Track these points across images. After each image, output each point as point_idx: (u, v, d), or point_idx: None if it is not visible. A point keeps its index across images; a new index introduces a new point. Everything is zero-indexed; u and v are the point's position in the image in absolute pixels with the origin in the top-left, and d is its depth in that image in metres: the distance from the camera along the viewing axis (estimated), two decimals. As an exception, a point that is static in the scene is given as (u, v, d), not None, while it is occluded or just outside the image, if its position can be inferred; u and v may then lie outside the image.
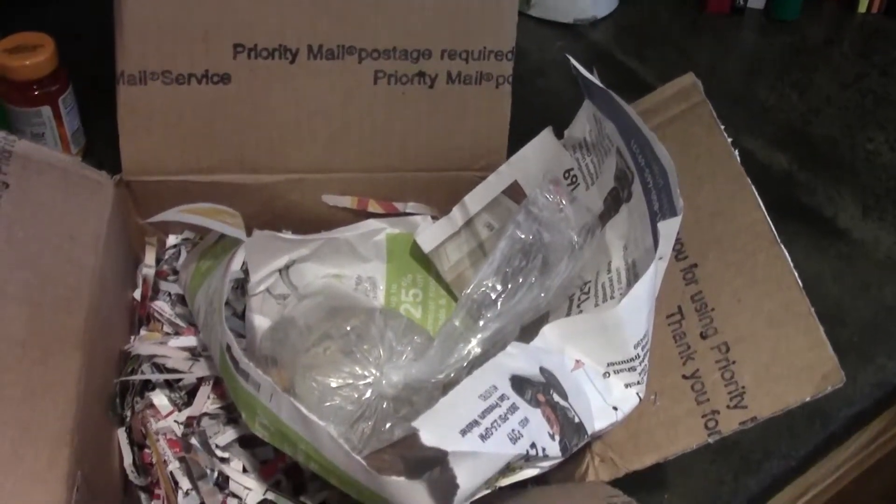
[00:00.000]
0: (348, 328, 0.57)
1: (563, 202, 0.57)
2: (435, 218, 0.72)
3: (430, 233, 0.70)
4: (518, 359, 0.47)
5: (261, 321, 0.69)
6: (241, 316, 0.71)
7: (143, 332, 0.70)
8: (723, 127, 0.64)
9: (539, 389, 0.46)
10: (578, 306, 0.59)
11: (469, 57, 0.68)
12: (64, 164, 0.67)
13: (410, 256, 0.72)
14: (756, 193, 0.59)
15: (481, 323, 0.55)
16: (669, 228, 0.52)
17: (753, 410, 0.53)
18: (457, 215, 0.70)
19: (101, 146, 0.89)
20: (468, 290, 0.57)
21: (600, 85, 0.58)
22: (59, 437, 0.55)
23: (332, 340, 0.57)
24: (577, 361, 0.50)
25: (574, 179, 0.65)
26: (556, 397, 0.47)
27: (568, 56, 0.60)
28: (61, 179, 0.66)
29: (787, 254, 0.56)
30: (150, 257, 0.72)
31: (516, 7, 0.68)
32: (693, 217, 0.61)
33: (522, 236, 0.57)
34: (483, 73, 0.69)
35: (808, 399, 0.52)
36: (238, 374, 0.49)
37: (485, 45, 0.68)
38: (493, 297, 0.56)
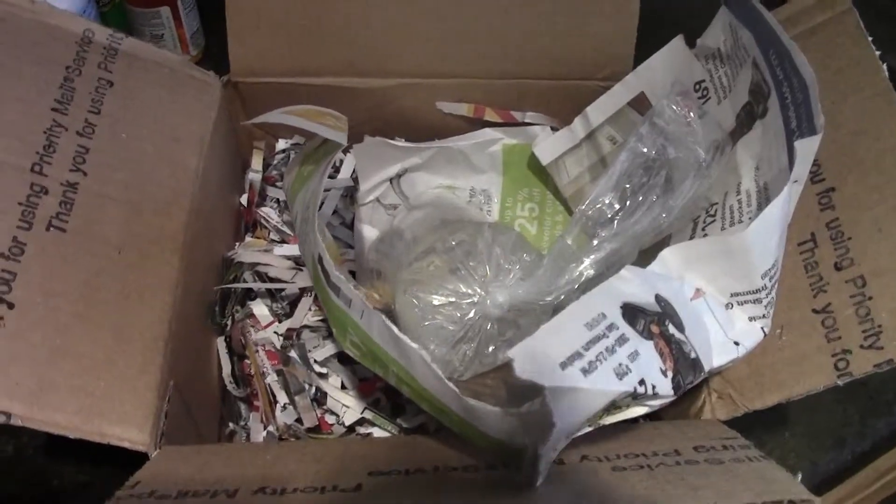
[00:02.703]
0: (454, 242, 0.53)
1: (692, 115, 0.52)
2: (555, 129, 0.68)
3: (549, 144, 0.66)
4: (632, 284, 0.42)
5: (370, 231, 0.67)
6: (350, 226, 0.68)
7: (248, 238, 0.68)
8: (870, 39, 0.57)
9: (653, 319, 0.41)
10: (703, 229, 0.54)
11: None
12: (171, 64, 0.65)
13: (527, 169, 0.68)
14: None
15: (595, 242, 0.50)
16: (807, 148, 0.46)
17: (890, 352, 0.48)
18: (578, 127, 0.65)
19: (220, 48, 0.86)
20: (583, 206, 0.52)
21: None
22: (152, 345, 0.54)
23: (437, 255, 0.54)
24: (698, 290, 0.45)
25: (705, 92, 0.59)
26: (672, 329, 0.42)
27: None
28: (168, 79, 0.64)
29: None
30: (256, 162, 0.69)
31: None
32: (832, 136, 0.54)
33: (645, 150, 0.52)
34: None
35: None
36: (329, 287, 0.47)
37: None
38: (610, 215, 0.52)
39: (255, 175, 0.69)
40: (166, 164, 0.61)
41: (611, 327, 0.40)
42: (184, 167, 0.61)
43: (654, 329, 0.41)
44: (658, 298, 0.42)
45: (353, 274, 0.66)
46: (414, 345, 0.40)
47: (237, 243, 0.68)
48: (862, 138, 0.54)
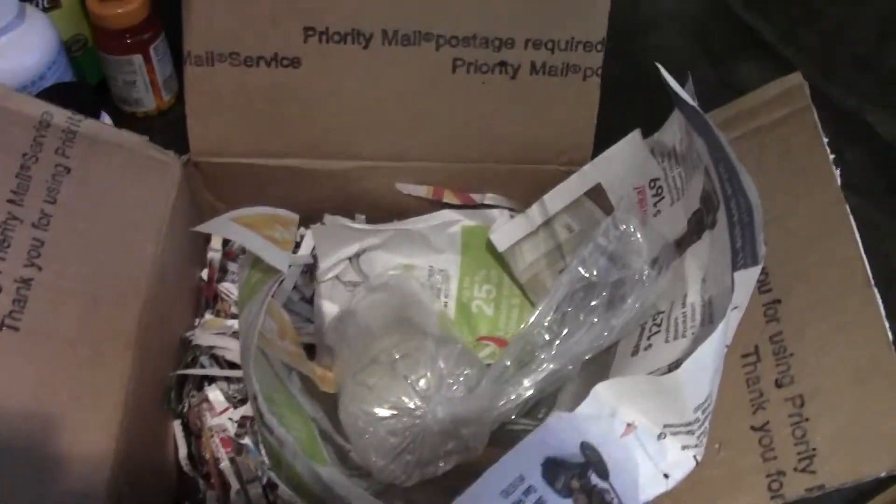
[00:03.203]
0: (397, 356, 0.54)
1: (636, 231, 0.52)
2: (513, 212, 0.68)
3: (505, 230, 0.66)
4: (558, 434, 0.43)
5: (330, 307, 0.67)
6: (310, 301, 0.69)
7: (207, 316, 0.68)
8: (826, 140, 0.57)
9: (575, 473, 0.42)
10: (648, 338, 0.55)
11: (555, 47, 0.63)
12: (130, 145, 0.65)
13: (486, 250, 0.68)
14: (854, 226, 0.53)
15: (534, 366, 0.51)
16: (748, 279, 0.47)
17: (822, 477, 0.49)
18: (535, 213, 0.65)
19: None
20: (524, 328, 0.53)
21: (689, 102, 0.52)
22: (104, 445, 0.54)
23: (381, 366, 0.55)
24: (629, 425, 0.46)
25: (659, 191, 0.60)
26: (595, 479, 0.43)
27: (657, 64, 0.54)
28: (127, 161, 0.65)
29: (880, 300, 0.51)
30: (216, 240, 0.70)
31: (609, -2, 0.62)
32: (784, 244, 0.55)
33: (587, 274, 0.52)
34: (570, 64, 0.63)
35: (883, 474, 0.47)
36: (262, 426, 0.47)
37: (573, 36, 0.63)
38: (549, 337, 0.52)
39: (214, 254, 0.69)
40: (123, 252, 0.61)
41: (528, 490, 0.41)
42: (140, 255, 0.62)
43: (575, 484, 0.41)
44: (584, 447, 0.43)
45: (312, 348, 0.66)
46: (343, 492, 0.41)
47: (197, 319, 0.68)
48: (812, 248, 0.55)
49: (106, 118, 0.73)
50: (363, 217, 0.71)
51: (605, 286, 0.52)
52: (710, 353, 0.45)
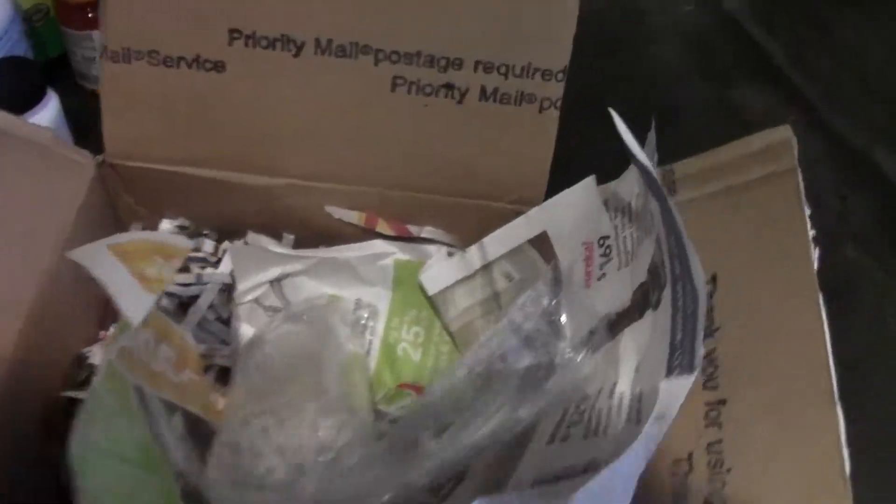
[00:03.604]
0: (284, 419, 0.48)
1: (561, 309, 0.46)
2: (451, 249, 0.62)
3: (438, 271, 0.60)
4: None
5: (247, 331, 0.62)
6: (226, 321, 0.63)
7: (112, 329, 0.63)
8: (808, 213, 0.50)
9: None
10: (568, 427, 0.48)
11: (509, 72, 0.56)
12: (41, 141, 0.59)
13: (418, 289, 0.62)
14: (825, 325, 0.47)
15: (421, 454, 0.45)
16: (678, 389, 0.40)
17: None
18: (473, 256, 0.59)
19: None
20: (415, 411, 0.46)
21: (642, 160, 0.45)
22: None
23: (267, 419, 0.49)
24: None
25: (608, 251, 0.53)
26: None
27: (610, 110, 0.47)
28: (35, 160, 0.58)
29: (842, 418, 0.44)
30: None
31: (574, 18, 0.54)
32: (741, 333, 0.48)
33: (493, 357, 0.46)
34: (524, 93, 0.56)
35: None
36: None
37: (529, 61, 0.55)
38: (441, 424, 0.46)
39: None
40: (12, 260, 0.55)
41: None
42: (33, 263, 0.56)
43: None
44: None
45: (227, 372, 0.61)
46: None
47: (101, 332, 0.63)
48: (772, 344, 0.48)
49: (53, 98, 0.67)
50: (292, 237, 0.65)
51: (513, 374, 0.45)
52: (619, 478, 0.39)
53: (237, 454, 0.48)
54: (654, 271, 0.48)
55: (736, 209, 0.54)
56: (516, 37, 0.55)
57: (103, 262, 0.48)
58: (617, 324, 0.50)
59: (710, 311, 0.51)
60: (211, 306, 0.64)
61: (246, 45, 0.56)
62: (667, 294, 0.46)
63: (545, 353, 0.46)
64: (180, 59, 0.57)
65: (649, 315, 0.48)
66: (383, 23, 0.55)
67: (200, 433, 0.54)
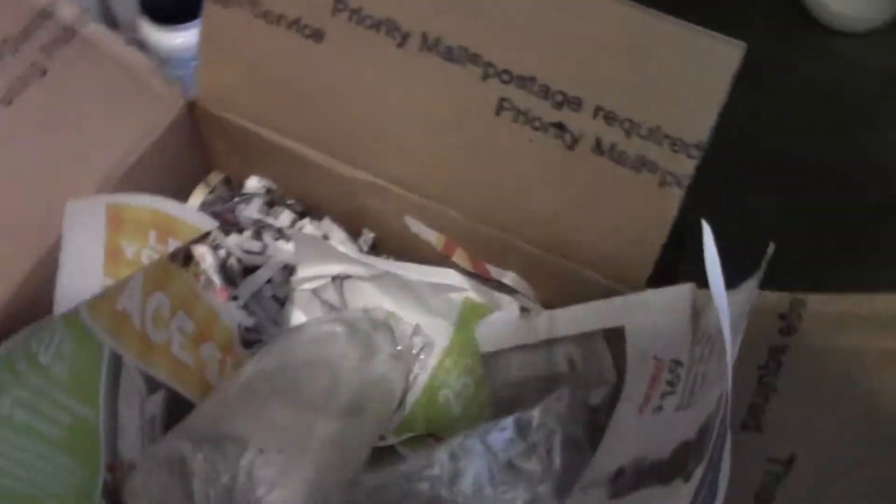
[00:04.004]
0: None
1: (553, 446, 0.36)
2: (528, 305, 0.53)
3: (498, 329, 0.51)
4: None
5: (299, 318, 0.56)
6: (282, 301, 0.58)
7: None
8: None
9: None
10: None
11: (633, 130, 0.46)
12: (133, 67, 0.55)
13: (480, 338, 0.53)
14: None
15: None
16: None
17: None
18: (540, 326, 0.50)
19: None
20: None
21: (723, 308, 0.35)
22: None
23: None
24: None
25: (675, 382, 0.43)
26: None
27: (703, 222, 0.37)
28: (117, 84, 0.55)
29: None
30: (194, 198, 0.59)
31: (725, 88, 0.43)
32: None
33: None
34: (646, 159, 0.46)
35: None
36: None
37: (660, 124, 0.45)
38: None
39: None
40: (52, 188, 0.51)
41: None
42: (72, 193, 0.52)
43: None
44: None
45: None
46: None
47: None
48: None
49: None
50: (371, 236, 0.58)
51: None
52: None
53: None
54: (704, 434, 0.38)
55: (856, 381, 0.43)
56: (650, 91, 0.45)
57: (87, 221, 0.44)
58: (648, 474, 0.40)
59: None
60: (269, 281, 0.58)
61: (349, 19, 0.49)
62: (697, 474, 0.36)
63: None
64: (280, 17, 0.51)
65: (677, 486, 0.38)
66: (501, 34, 0.46)
67: (182, 413, 0.49)
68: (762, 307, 0.44)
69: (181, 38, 0.63)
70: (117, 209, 0.46)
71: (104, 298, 0.44)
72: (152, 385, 0.48)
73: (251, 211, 0.60)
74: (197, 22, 0.57)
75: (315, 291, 0.57)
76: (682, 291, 0.44)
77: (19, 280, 0.49)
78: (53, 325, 0.40)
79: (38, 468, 0.39)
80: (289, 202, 0.60)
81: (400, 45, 0.48)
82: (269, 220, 0.59)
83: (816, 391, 0.42)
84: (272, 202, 0.60)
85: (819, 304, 0.45)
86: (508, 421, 0.43)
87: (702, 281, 0.42)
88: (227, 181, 0.61)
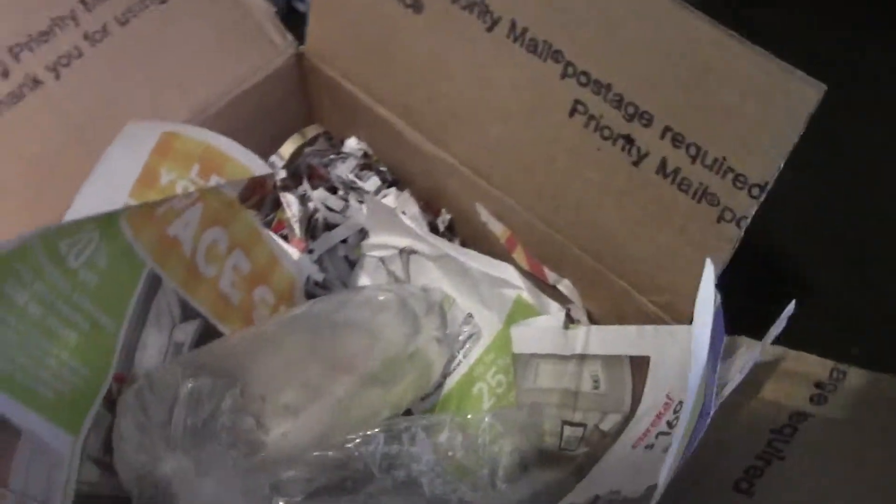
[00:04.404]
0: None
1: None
2: (573, 319, 0.51)
3: (535, 333, 0.50)
4: None
5: (365, 282, 0.57)
6: (352, 263, 0.59)
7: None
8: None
9: None
10: None
11: (698, 156, 0.43)
12: (251, 8, 0.57)
13: (525, 338, 0.52)
14: None
15: None
16: None
17: None
18: (576, 340, 0.49)
19: None
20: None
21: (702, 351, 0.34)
22: None
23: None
24: None
25: (673, 424, 0.41)
26: None
27: (707, 261, 0.35)
28: (232, 22, 0.57)
29: None
30: (286, 148, 0.60)
31: (796, 133, 0.40)
32: None
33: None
34: (708, 189, 0.44)
35: None
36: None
37: (726, 155, 0.43)
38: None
39: (277, 160, 0.60)
40: (142, 116, 0.53)
41: None
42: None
43: None
44: None
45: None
46: None
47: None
48: None
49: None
50: (448, 217, 0.58)
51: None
52: None
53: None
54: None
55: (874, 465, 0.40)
56: (719, 118, 0.42)
57: (137, 141, 0.45)
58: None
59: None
60: (345, 241, 0.59)
61: (445, -5, 0.49)
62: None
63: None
64: (388, -20, 0.51)
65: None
66: (585, 36, 0.45)
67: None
68: (797, 370, 0.42)
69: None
70: (170, 136, 0.47)
71: (154, 221, 0.45)
72: (188, 313, 0.49)
73: (344, 170, 0.61)
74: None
75: (383, 260, 0.57)
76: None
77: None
78: (89, 232, 0.42)
79: (44, 363, 0.41)
80: (381, 168, 0.60)
81: (489, 29, 0.48)
82: (359, 183, 0.60)
83: (824, 467, 0.39)
84: (367, 165, 0.60)
85: (860, 379, 0.41)
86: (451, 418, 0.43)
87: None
88: (329, 137, 0.62)
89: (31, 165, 0.52)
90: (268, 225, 0.60)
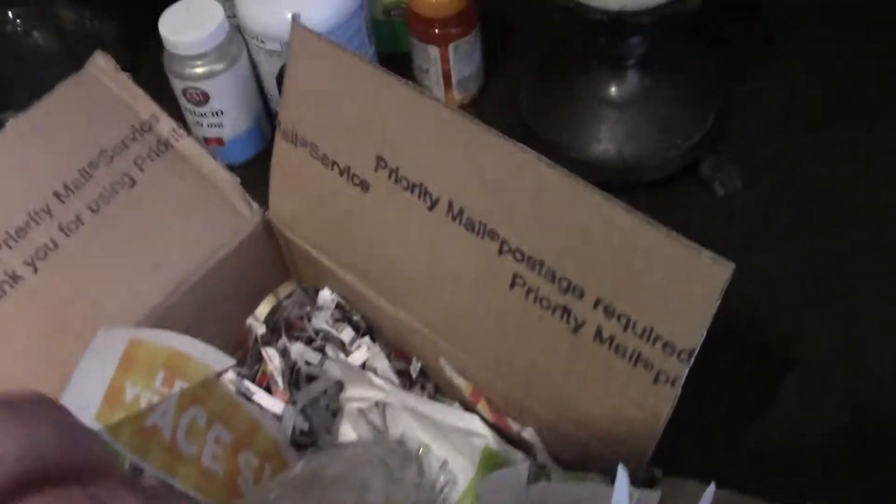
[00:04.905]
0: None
1: None
2: (542, 467, 0.54)
3: (499, 486, 0.52)
4: None
5: (347, 431, 0.60)
6: (335, 414, 0.61)
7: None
8: None
9: None
10: None
11: (629, 327, 0.46)
12: (217, 180, 0.60)
13: (494, 486, 0.55)
14: None
15: None
16: None
17: None
18: (536, 496, 0.51)
19: (503, 92, 0.83)
20: None
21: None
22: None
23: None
24: None
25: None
26: None
27: (620, 466, 0.37)
28: (200, 196, 0.60)
29: None
30: (261, 309, 0.63)
31: (714, 304, 0.43)
32: None
33: None
34: (641, 355, 0.46)
35: None
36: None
37: (653, 325, 0.45)
38: None
39: (253, 322, 0.63)
40: (125, 293, 0.57)
41: None
42: (142, 303, 0.57)
43: None
44: None
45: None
46: None
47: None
48: None
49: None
50: (419, 365, 0.60)
51: None
52: None
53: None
54: None
55: None
56: (643, 293, 0.45)
57: (104, 354, 0.48)
58: None
59: None
60: (325, 392, 0.62)
61: (389, 176, 0.52)
62: None
63: None
64: (335, 163, 0.54)
65: None
66: (514, 214, 0.48)
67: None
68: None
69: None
70: (135, 346, 0.50)
71: (130, 418, 0.49)
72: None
73: (320, 321, 0.64)
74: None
75: (361, 411, 0.60)
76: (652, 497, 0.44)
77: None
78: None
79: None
80: (354, 318, 0.63)
81: (430, 208, 0.50)
82: (334, 333, 0.63)
83: None
84: (340, 317, 0.63)
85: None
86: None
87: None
88: (304, 290, 0.65)
89: (20, 356, 0.55)
90: (252, 378, 0.63)
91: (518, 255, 0.48)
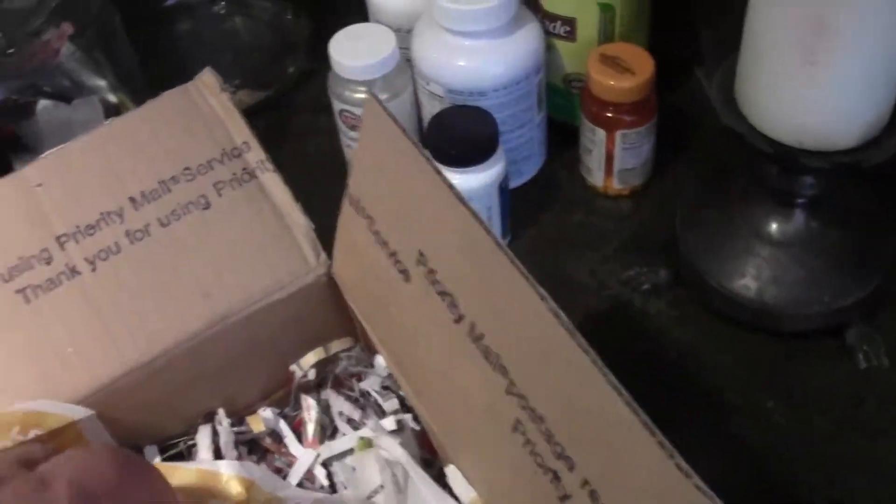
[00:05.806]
0: None
1: None
2: None
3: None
4: None
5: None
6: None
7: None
8: None
9: None
10: None
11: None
12: (291, 221, 0.58)
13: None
14: None
15: None
16: None
17: None
18: None
19: (668, 188, 0.78)
20: None
21: None
22: None
23: None
24: None
25: None
26: None
27: None
28: (271, 232, 0.58)
29: None
30: (306, 360, 0.61)
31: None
32: None
33: None
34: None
35: None
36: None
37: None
38: None
39: (297, 369, 0.61)
40: (166, 318, 0.56)
41: None
42: (191, 328, 0.56)
43: None
44: None
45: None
46: None
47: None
48: None
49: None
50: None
51: None
52: None
53: None
54: None
55: None
56: (631, 496, 0.40)
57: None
58: None
59: None
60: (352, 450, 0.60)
61: (426, 275, 0.48)
62: None
63: None
64: (385, 242, 0.51)
65: None
66: (525, 364, 0.44)
67: None
68: None
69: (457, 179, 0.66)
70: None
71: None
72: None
73: (369, 385, 0.61)
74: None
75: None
76: None
77: (107, 381, 0.55)
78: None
79: None
80: (401, 392, 0.60)
81: (456, 321, 0.47)
82: (380, 401, 0.60)
83: None
84: (388, 386, 0.61)
85: None
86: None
87: None
88: (359, 350, 0.63)
89: (55, 349, 0.55)
90: (289, 421, 0.62)
91: (522, 402, 0.44)
